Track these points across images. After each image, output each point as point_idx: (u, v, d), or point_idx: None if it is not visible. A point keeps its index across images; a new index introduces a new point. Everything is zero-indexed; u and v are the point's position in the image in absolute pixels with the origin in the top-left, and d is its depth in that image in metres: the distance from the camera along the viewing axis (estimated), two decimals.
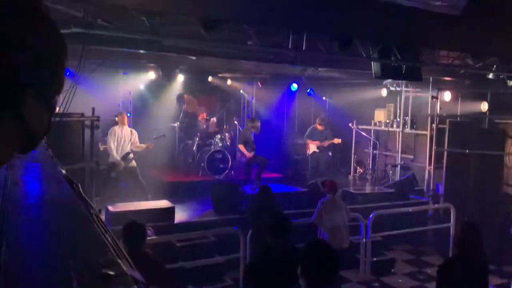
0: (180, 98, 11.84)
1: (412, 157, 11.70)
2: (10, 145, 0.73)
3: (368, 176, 12.41)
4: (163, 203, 7.66)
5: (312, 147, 11.03)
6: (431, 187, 10.44)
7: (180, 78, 11.50)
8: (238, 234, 6.48)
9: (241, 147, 9.89)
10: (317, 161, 11.02)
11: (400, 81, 10.83)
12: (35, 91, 0.71)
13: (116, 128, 8.72)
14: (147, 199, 8.14)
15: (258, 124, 10.12)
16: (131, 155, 8.70)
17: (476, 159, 9.51)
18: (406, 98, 11.83)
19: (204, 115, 11.74)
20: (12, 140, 0.72)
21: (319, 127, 11.03)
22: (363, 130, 12.55)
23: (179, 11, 5.29)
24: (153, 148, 9.10)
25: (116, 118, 8.90)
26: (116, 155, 8.53)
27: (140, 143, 8.88)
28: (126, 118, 8.99)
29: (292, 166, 11.96)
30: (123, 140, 8.67)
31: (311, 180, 9.72)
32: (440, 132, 10.04)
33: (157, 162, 10.65)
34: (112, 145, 8.54)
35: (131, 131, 8.88)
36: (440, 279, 4.09)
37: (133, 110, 11.66)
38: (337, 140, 11.17)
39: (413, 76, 7.62)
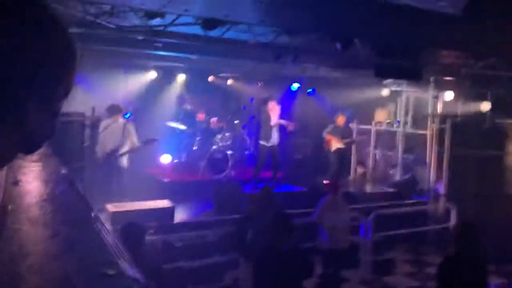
0: (180, 98, 11.82)
1: (412, 157, 11.68)
2: (11, 149, 0.72)
3: (368, 176, 12.38)
4: (163, 203, 7.64)
5: (335, 144, 10.66)
6: (432, 187, 10.42)
7: (181, 78, 11.46)
8: (238, 234, 6.46)
9: None
10: (341, 158, 10.71)
11: (401, 81, 10.81)
12: (40, 96, 0.69)
13: None
14: None
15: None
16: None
17: (477, 159, 9.49)
18: (407, 98, 11.81)
19: (205, 115, 11.72)
20: (14, 145, 0.71)
21: (340, 124, 10.76)
22: (363, 130, 12.52)
23: (179, 11, 5.28)
24: (152, 147, 9.02)
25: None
26: None
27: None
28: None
29: (293, 165, 11.94)
30: None
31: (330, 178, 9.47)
32: (441, 132, 10.02)
33: (157, 161, 10.64)
34: None
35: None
36: (439, 277, 4.10)
37: (133, 110, 11.63)
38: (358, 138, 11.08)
39: (414, 76, 7.62)
